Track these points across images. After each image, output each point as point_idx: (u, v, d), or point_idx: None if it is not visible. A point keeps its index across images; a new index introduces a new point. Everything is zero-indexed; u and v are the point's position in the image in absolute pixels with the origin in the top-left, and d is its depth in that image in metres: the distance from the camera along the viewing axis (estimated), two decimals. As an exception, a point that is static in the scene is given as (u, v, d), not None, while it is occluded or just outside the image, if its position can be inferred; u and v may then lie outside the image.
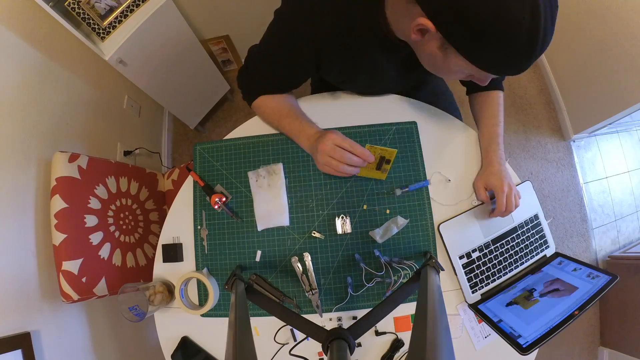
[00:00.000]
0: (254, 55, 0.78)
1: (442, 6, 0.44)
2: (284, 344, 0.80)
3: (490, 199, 0.81)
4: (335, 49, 0.68)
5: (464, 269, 0.81)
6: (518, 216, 0.85)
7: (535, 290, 0.76)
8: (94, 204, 0.99)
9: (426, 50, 0.53)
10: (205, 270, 0.83)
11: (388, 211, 0.83)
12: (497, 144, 0.83)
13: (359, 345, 0.80)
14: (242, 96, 0.87)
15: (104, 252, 0.99)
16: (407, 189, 0.83)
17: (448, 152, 0.87)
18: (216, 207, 0.82)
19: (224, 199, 0.82)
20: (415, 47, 0.58)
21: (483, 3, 0.41)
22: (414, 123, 0.88)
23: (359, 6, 0.60)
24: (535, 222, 0.86)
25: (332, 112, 0.90)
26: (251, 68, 0.80)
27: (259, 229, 0.83)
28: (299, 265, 0.81)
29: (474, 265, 0.81)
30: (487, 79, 0.56)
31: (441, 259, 0.82)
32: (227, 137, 0.89)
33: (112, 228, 1.05)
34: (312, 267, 0.81)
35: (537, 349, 0.66)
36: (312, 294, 0.78)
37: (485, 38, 0.44)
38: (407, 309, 0.80)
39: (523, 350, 0.65)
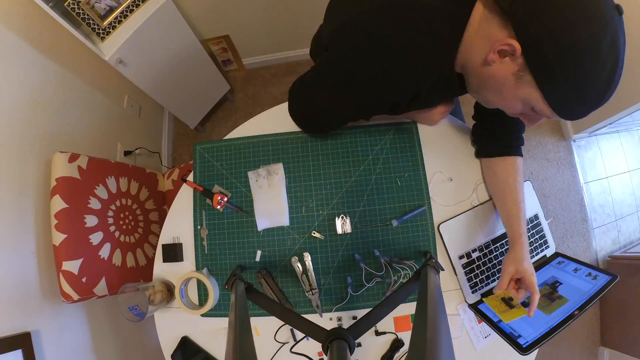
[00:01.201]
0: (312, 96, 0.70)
1: (541, 32, 0.42)
2: (284, 343, 0.80)
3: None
4: (406, 101, 0.63)
5: (464, 269, 0.81)
6: (518, 216, 0.84)
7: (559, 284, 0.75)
8: (94, 204, 0.99)
9: (496, 75, 0.50)
10: (205, 270, 0.83)
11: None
12: (525, 234, 0.73)
13: (359, 345, 0.80)
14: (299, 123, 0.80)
15: (104, 252, 0.99)
16: (403, 218, 0.82)
17: (448, 152, 0.87)
18: (219, 207, 0.82)
19: (225, 198, 0.82)
20: (475, 74, 0.54)
21: (585, 42, 0.41)
22: (414, 123, 0.88)
23: (439, 52, 0.55)
24: (536, 222, 0.86)
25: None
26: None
27: (259, 229, 0.83)
28: (299, 265, 0.81)
29: (474, 265, 0.81)
30: (540, 119, 0.55)
31: (441, 259, 0.82)
32: (227, 137, 0.89)
33: (112, 228, 1.05)
34: (312, 267, 0.81)
35: (537, 349, 0.66)
36: (312, 294, 0.78)
37: (569, 74, 0.44)
38: (407, 309, 0.80)
39: (523, 350, 0.65)
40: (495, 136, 0.78)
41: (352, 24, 0.56)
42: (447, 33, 0.52)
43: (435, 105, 0.73)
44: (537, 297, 0.66)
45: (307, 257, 0.81)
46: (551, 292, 0.75)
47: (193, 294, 0.84)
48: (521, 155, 0.77)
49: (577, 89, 0.45)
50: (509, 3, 0.44)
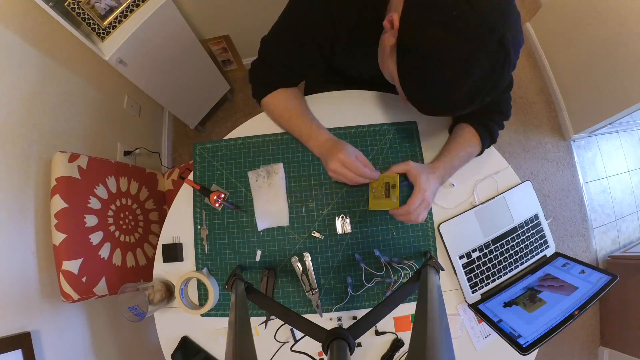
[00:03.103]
0: (268, 44, 0.76)
1: (418, 24, 0.46)
2: (284, 343, 0.80)
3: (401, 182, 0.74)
4: (346, 30, 0.66)
5: (464, 268, 0.81)
6: (518, 216, 0.85)
7: (538, 289, 0.76)
8: (94, 203, 0.99)
9: (383, 41, 0.56)
10: (205, 270, 0.83)
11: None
12: (452, 166, 0.79)
13: (359, 345, 0.80)
14: (253, 91, 0.84)
15: (104, 252, 0.99)
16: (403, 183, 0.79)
17: (448, 152, 0.87)
18: (217, 205, 0.82)
19: (222, 195, 0.82)
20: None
21: (441, 45, 0.45)
22: (414, 123, 0.88)
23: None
24: (536, 222, 0.86)
25: (333, 112, 0.90)
26: (266, 58, 0.77)
27: (259, 229, 0.83)
28: (299, 265, 0.81)
29: (474, 265, 0.81)
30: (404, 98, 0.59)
31: (441, 258, 0.82)
32: (227, 137, 0.89)
33: (112, 228, 1.05)
34: (312, 267, 0.81)
35: (537, 349, 0.66)
36: (312, 294, 0.78)
37: (421, 69, 0.49)
38: (407, 309, 0.80)
39: (523, 350, 0.65)
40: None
41: None
42: None
43: (359, 56, 0.75)
44: (416, 196, 0.69)
45: (307, 257, 0.81)
46: (532, 295, 0.76)
47: (193, 294, 0.84)
48: (476, 129, 0.79)
49: (422, 85, 0.50)
50: None
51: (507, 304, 0.76)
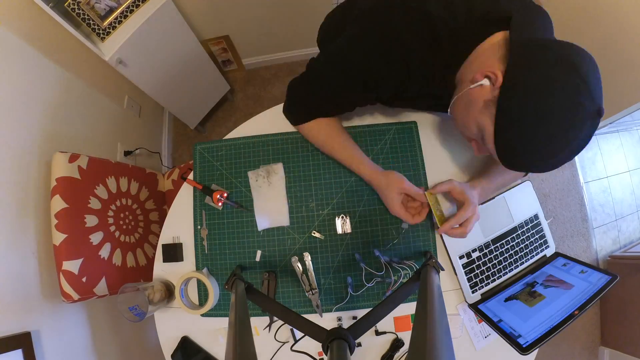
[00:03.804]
0: (318, 74, 0.71)
1: (516, 78, 0.48)
2: (284, 343, 0.80)
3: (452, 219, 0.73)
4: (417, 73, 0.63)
5: (464, 269, 0.81)
6: (518, 216, 0.85)
7: (538, 284, 0.76)
8: (94, 204, 0.99)
9: (472, 94, 0.54)
10: (205, 270, 0.83)
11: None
12: (494, 185, 0.78)
13: (359, 345, 0.80)
14: (290, 110, 0.80)
15: (104, 252, 1.00)
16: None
17: (448, 152, 0.87)
18: (219, 204, 0.82)
19: (225, 194, 0.82)
20: (464, 86, 0.57)
21: (547, 104, 0.46)
22: (414, 123, 0.88)
23: (440, 59, 0.59)
24: (536, 221, 0.86)
25: (332, 112, 0.90)
26: (314, 86, 0.73)
27: (259, 229, 0.83)
28: (299, 265, 0.81)
29: (474, 265, 0.81)
30: (482, 153, 0.60)
31: (441, 259, 0.82)
32: (227, 137, 0.89)
33: (112, 228, 1.05)
34: (312, 267, 0.81)
35: (537, 349, 0.66)
36: (312, 294, 0.78)
37: (522, 128, 0.49)
38: (407, 309, 0.80)
39: (523, 350, 0.65)
40: None
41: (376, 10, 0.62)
42: (448, 47, 0.58)
43: (419, 108, 0.77)
44: (467, 210, 0.69)
45: (307, 257, 0.81)
46: (533, 291, 0.76)
47: (193, 294, 0.84)
48: None
49: (522, 144, 0.50)
50: (522, 45, 0.49)
51: (508, 299, 0.76)
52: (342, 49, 0.65)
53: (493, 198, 0.84)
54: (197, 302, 0.83)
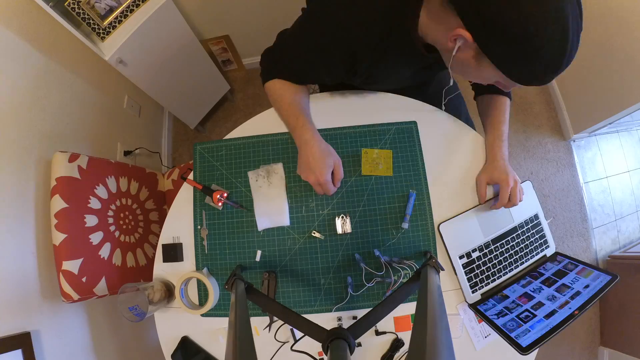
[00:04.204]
0: (283, 43, 0.78)
1: (480, 21, 0.47)
2: (284, 342, 0.80)
3: (492, 198, 0.82)
4: (367, 53, 0.68)
5: (464, 268, 0.81)
6: (518, 216, 0.85)
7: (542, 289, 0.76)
8: (94, 203, 0.99)
9: (460, 58, 0.55)
10: (205, 270, 0.83)
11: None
12: (502, 141, 0.83)
13: (359, 345, 0.80)
14: (260, 72, 0.86)
15: (104, 252, 0.99)
16: (407, 215, 0.82)
17: (448, 152, 0.87)
18: (220, 204, 0.82)
19: (225, 194, 0.82)
20: (446, 54, 0.58)
21: (518, 23, 0.44)
22: (414, 123, 0.88)
23: (395, 14, 0.61)
24: (536, 221, 0.86)
25: (333, 112, 0.90)
26: (277, 54, 0.80)
27: (259, 229, 0.83)
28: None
29: (474, 265, 0.81)
30: (512, 86, 0.57)
31: (441, 258, 0.82)
32: (227, 137, 0.89)
33: (112, 228, 1.05)
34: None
35: (537, 349, 0.66)
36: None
37: (518, 53, 0.47)
38: (407, 308, 0.80)
39: (523, 350, 0.65)
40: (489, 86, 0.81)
41: None
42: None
43: (397, 70, 0.76)
44: (505, 188, 0.77)
45: None
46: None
47: (193, 294, 0.83)
48: (511, 98, 0.87)
49: (530, 63, 0.48)
50: None
51: (499, 314, 0.74)
52: (304, 19, 0.72)
53: (493, 198, 0.84)
54: (197, 302, 0.83)
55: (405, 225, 0.82)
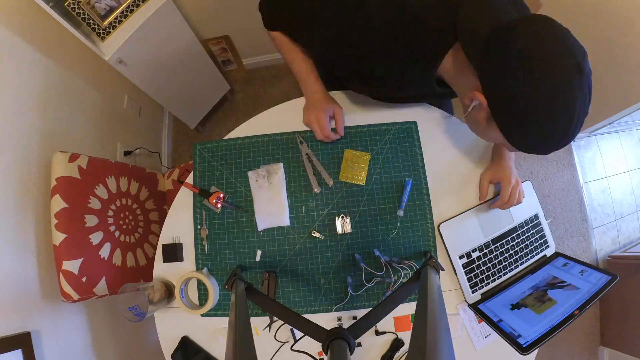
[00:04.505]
0: None
1: (498, 94, 0.50)
2: (284, 342, 0.80)
3: (492, 198, 0.82)
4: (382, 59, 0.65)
5: (464, 268, 0.81)
6: (518, 216, 0.85)
7: (547, 289, 0.76)
8: (94, 203, 0.99)
9: (472, 115, 0.58)
10: (205, 270, 0.83)
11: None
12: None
13: (359, 345, 0.80)
14: (262, 11, 0.82)
15: (104, 252, 0.99)
16: (403, 202, 0.83)
17: (448, 152, 0.87)
18: (218, 206, 0.82)
19: (221, 195, 0.82)
20: (464, 106, 0.61)
21: (533, 109, 0.48)
22: (414, 123, 0.88)
23: (423, 45, 0.60)
24: (536, 221, 0.86)
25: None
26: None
27: (259, 229, 0.83)
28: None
29: (474, 265, 0.81)
30: (515, 150, 0.61)
31: (441, 258, 0.82)
32: (227, 137, 0.89)
33: (112, 228, 1.05)
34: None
35: (537, 349, 0.66)
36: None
37: (528, 132, 0.51)
38: (407, 308, 0.80)
39: (523, 350, 0.65)
40: None
41: None
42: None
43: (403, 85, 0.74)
44: (507, 186, 0.78)
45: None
46: (542, 294, 0.75)
47: (193, 294, 0.84)
48: None
49: (536, 138, 0.52)
50: (479, 63, 0.51)
51: (514, 306, 0.75)
52: None
53: (493, 198, 0.84)
54: (197, 302, 0.83)
55: (401, 213, 0.82)
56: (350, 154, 0.85)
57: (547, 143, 0.52)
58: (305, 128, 0.88)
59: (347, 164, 0.85)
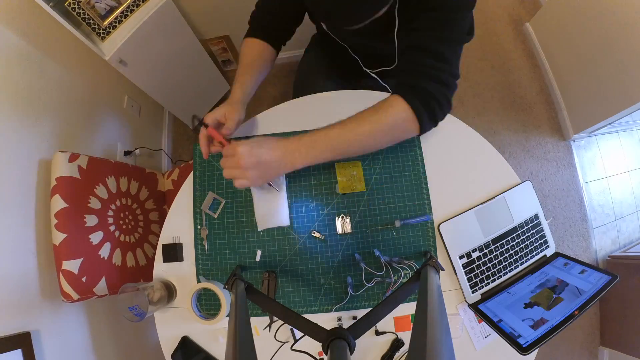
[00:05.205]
0: None
1: None
2: (284, 342, 0.80)
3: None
4: None
5: (464, 268, 0.81)
6: (518, 216, 0.85)
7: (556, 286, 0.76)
8: (94, 203, 0.99)
9: None
10: (202, 278, 0.82)
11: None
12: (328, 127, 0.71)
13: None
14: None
15: (104, 251, 1.00)
16: (409, 221, 0.82)
17: (448, 152, 0.87)
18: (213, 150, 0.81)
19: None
20: None
21: None
22: (414, 123, 0.88)
23: None
24: (536, 221, 0.86)
25: (330, 112, 0.89)
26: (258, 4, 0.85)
27: (259, 229, 0.83)
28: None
29: (474, 265, 0.81)
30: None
31: (441, 258, 0.82)
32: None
33: (112, 228, 1.05)
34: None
35: (537, 349, 0.66)
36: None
37: None
38: (407, 308, 0.80)
39: (523, 350, 0.65)
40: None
41: None
42: None
43: None
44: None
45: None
46: (550, 295, 0.75)
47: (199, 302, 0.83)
48: (402, 95, 0.68)
49: None
50: None
51: (527, 305, 0.74)
52: None
53: (493, 198, 0.84)
54: (205, 310, 0.82)
55: (398, 224, 0.81)
56: (340, 166, 0.83)
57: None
58: (306, 128, 0.88)
59: (341, 176, 0.83)
